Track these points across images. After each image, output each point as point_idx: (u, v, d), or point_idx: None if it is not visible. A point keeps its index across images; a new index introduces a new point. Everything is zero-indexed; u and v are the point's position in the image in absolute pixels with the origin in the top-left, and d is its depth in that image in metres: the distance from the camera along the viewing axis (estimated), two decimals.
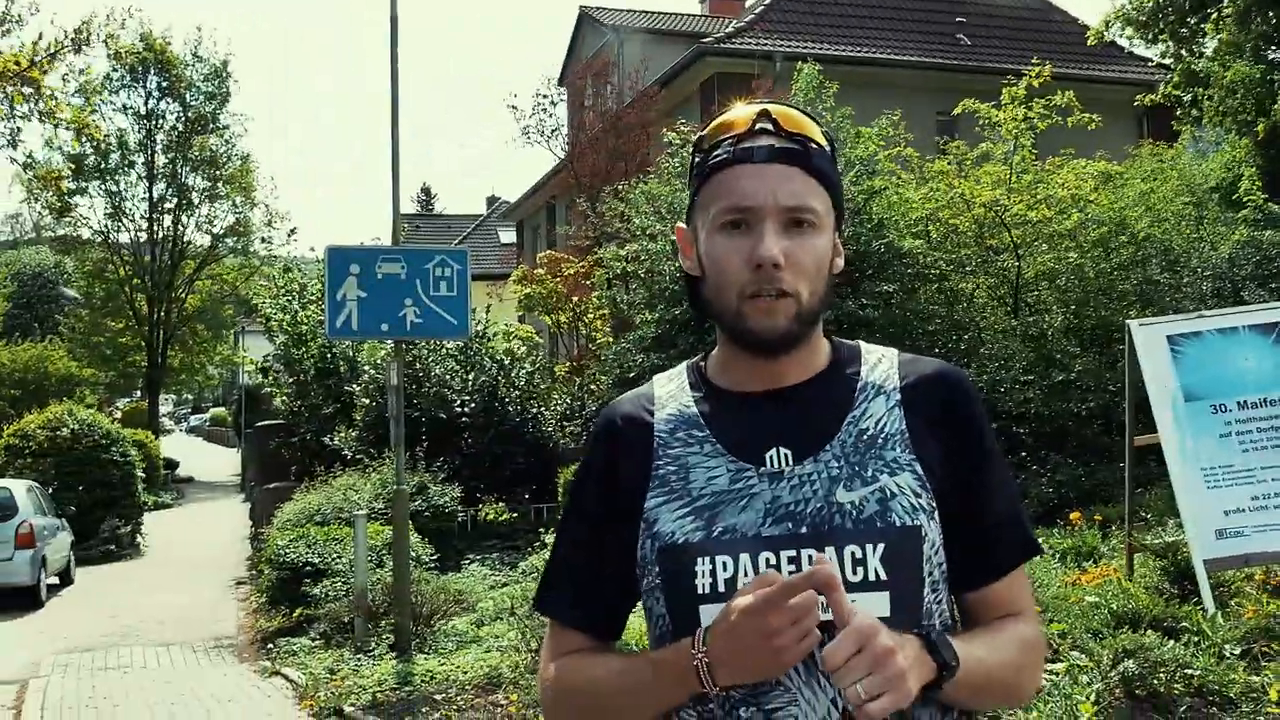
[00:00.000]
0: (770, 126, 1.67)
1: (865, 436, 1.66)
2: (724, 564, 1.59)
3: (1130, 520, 8.27)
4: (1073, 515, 10.45)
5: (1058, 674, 6.10)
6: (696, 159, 1.73)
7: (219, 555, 20.09)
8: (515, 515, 14.69)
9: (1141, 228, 14.15)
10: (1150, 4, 18.51)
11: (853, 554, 1.58)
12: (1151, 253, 14.21)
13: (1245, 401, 7.16)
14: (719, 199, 1.66)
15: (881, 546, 1.58)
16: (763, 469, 1.64)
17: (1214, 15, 18.40)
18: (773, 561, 1.58)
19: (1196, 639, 6.33)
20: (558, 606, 1.80)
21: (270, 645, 11.11)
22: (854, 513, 1.60)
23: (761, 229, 1.62)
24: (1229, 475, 7.05)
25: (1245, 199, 14.52)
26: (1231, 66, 16.91)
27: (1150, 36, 19.26)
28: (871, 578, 1.57)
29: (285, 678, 9.68)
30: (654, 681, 1.60)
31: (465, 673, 8.37)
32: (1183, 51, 19.11)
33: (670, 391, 1.79)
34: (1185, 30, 18.94)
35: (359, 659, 9.35)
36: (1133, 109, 21.63)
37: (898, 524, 1.60)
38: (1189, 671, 5.84)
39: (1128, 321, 7.75)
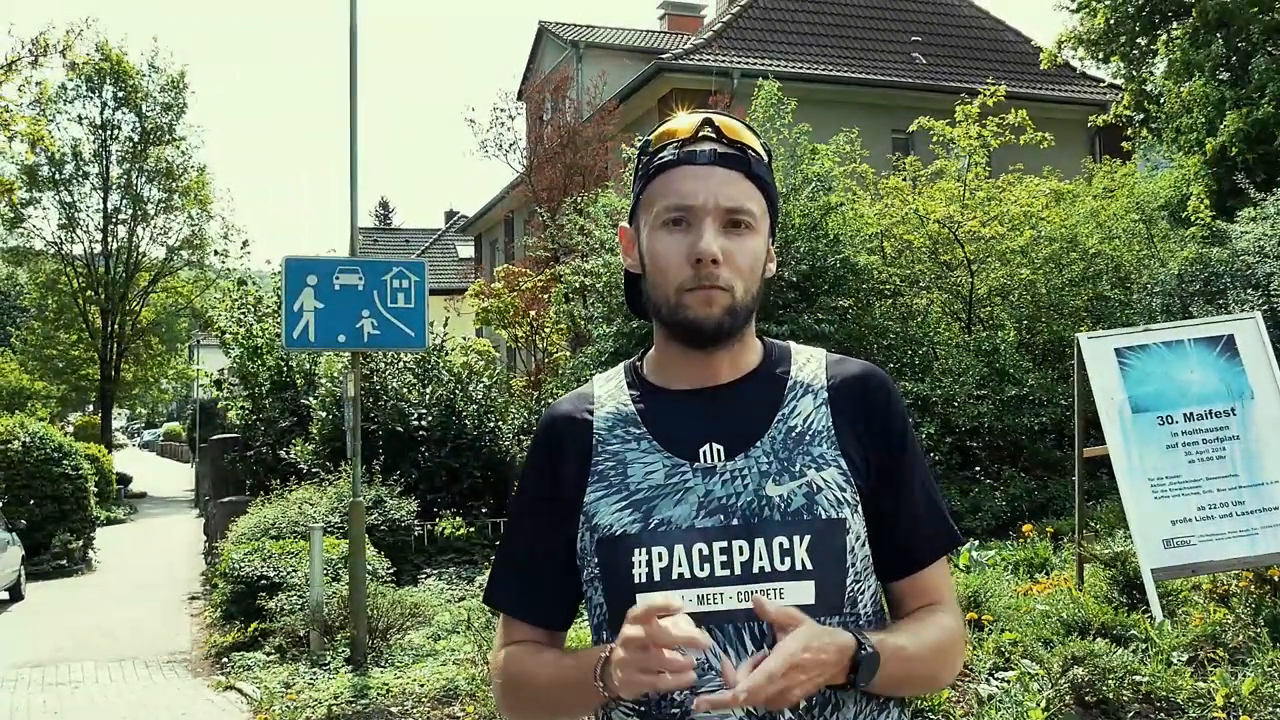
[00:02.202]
0: (713, 134, 1.77)
1: (794, 433, 1.75)
2: (659, 554, 1.68)
3: (1081, 531, 8.39)
4: (1025, 527, 10.57)
5: (1009, 681, 6.19)
6: (642, 161, 1.82)
7: (172, 570, 19.91)
8: (472, 529, 14.64)
9: (1092, 244, 14.35)
10: (1102, 25, 18.80)
11: (780, 544, 1.67)
12: (1102, 269, 14.42)
13: (1191, 413, 7.29)
14: (662, 198, 1.76)
15: (808, 538, 1.67)
16: (697, 464, 1.73)
17: (1164, 36, 18.72)
18: (705, 552, 1.67)
19: (1145, 646, 6.44)
20: (505, 599, 1.88)
21: (224, 660, 11.03)
22: (782, 505, 1.69)
23: (701, 227, 1.72)
24: (1176, 485, 7.17)
25: (1194, 217, 14.75)
26: (1185, 85, 17.20)
27: (1102, 56, 19.56)
28: (798, 567, 1.66)
29: (240, 692, 9.61)
30: (577, 685, 1.69)
31: (421, 685, 8.35)
32: (1134, 72, 19.42)
33: (609, 391, 1.87)
34: (1136, 51, 19.25)
35: (314, 673, 9.30)
36: (1084, 127, 21.96)
37: (823, 516, 1.69)
38: (1137, 678, 5.94)
39: (1077, 335, 7.88)
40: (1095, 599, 7.45)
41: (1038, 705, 5.73)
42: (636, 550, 1.69)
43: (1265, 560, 7.15)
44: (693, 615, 1.61)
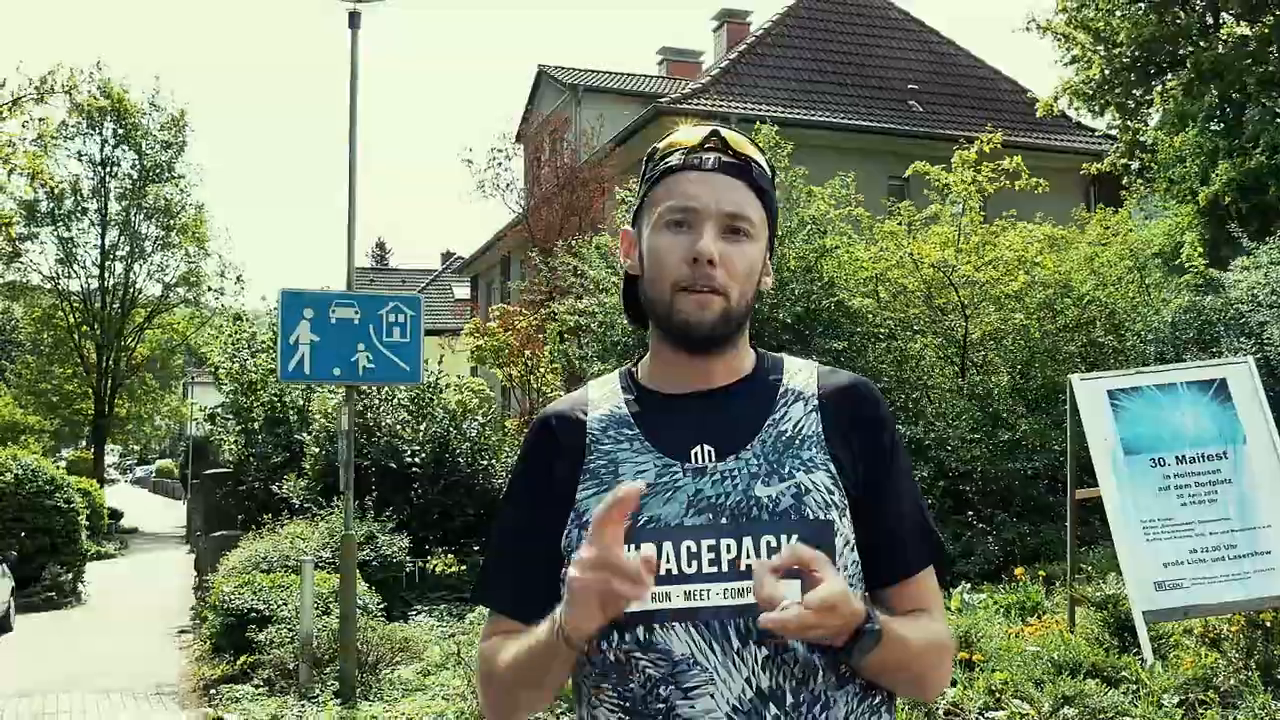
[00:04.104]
0: (719, 144, 1.83)
1: (784, 437, 1.79)
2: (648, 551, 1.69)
3: (1072, 573, 8.38)
4: (1017, 571, 10.55)
5: None
6: (648, 167, 1.88)
7: (162, 604, 19.80)
8: (464, 567, 14.59)
9: (1086, 291, 14.40)
10: (1098, 76, 18.95)
11: (768, 543, 1.69)
12: (1096, 315, 14.46)
13: (1183, 456, 7.31)
14: (666, 199, 1.81)
15: (795, 538, 1.69)
16: (688, 465, 1.76)
17: (1158, 88, 18.89)
18: (694, 549, 1.70)
19: (1136, 688, 6.42)
20: (493, 597, 1.90)
21: (213, 692, 10.97)
22: (770, 505, 1.72)
23: (702, 229, 1.77)
24: (1168, 528, 7.17)
25: (1187, 265, 14.82)
26: (1179, 135, 17.34)
27: (1097, 108, 19.71)
28: None
29: None
30: (542, 651, 1.69)
31: (410, 719, 8.31)
32: (1128, 122, 19.57)
33: (604, 394, 1.90)
34: (1131, 102, 19.41)
35: (303, 705, 9.26)
36: (1077, 175, 22.10)
37: (811, 517, 1.72)
38: (1128, 719, 5.93)
39: (1070, 376, 7.90)
40: (1087, 641, 7.44)
41: None
42: (626, 547, 1.68)
43: (1257, 604, 7.14)
44: (679, 611, 1.63)
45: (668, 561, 1.69)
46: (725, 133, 1.85)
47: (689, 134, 1.86)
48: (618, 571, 1.51)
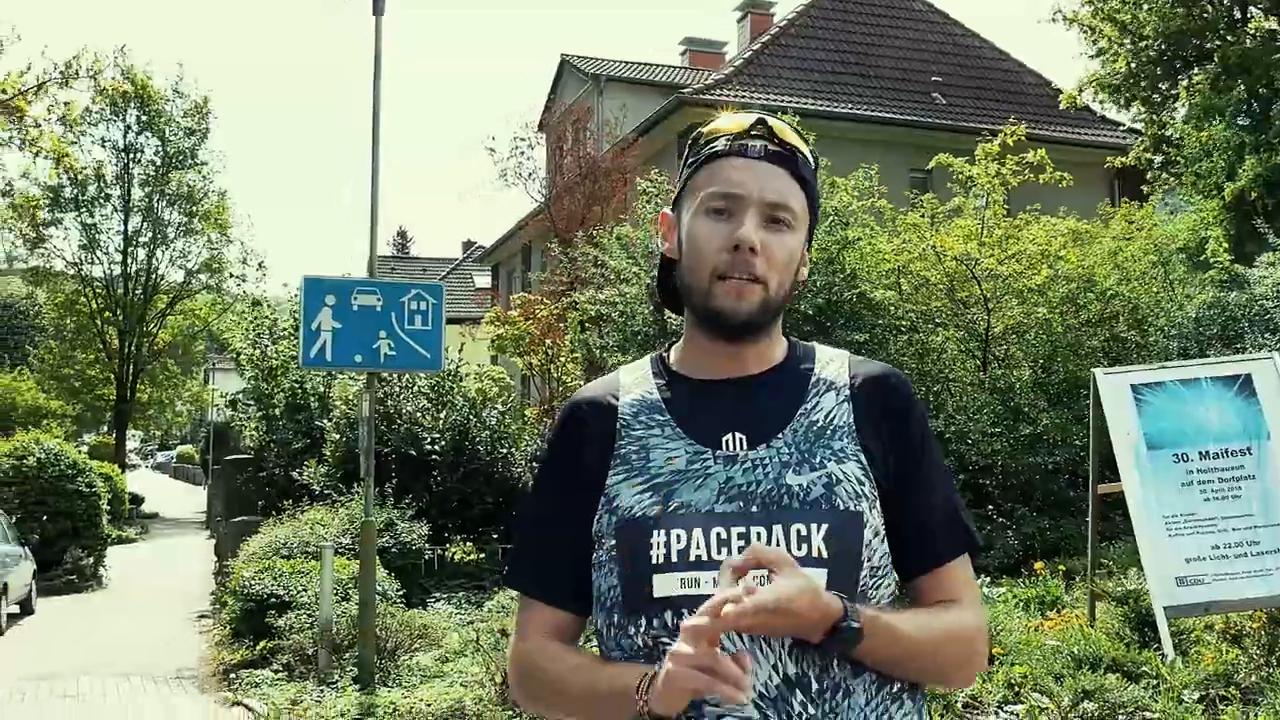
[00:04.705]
0: (764, 132, 1.82)
1: (815, 427, 1.78)
2: (678, 536, 1.70)
3: (1093, 568, 8.36)
4: (1036, 565, 10.52)
5: (1018, 715, 6.16)
6: (692, 150, 1.87)
7: (182, 589, 19.90)
8: (482, 555, 14.63)
9: (1109, 285, 14.34)
10: (1124, 70, 18.86)
11: (798, 531, 1.69)
12: (1119, 310, 14.40)
13: (1206, 451, 7.28)
14: (708, 185, 1.80)
15: (825, 527, 1.69)
16: (719, 452, 1.76)
17: (1185, 82, 18.78)
18: (724, 536, 1.69)
19: (1156, 683, 6.40)
20: (526, 581, 1.89)
21: (233, 677, 11.02)
22: (801, 494, 1.71)
23: (744, 216, 1.76)
24: (1190, 524, 7.15)
25: (1212, 260, 14.74)
26: (1205, 129, 17.24)
27: (1122, 101, 19.63)
28: (814, 555, 1.68)
29: (247, 708, 9.61)
30: (607, 696, 1.69)
31: (428, 705, 8.33)
32: (1154, 116, 19.47)
33: (635, 379, 1.90)
34: (1157, 96, 19.33)
35: (322, 691, 9.30)
36: (1101, 169, 21.98)
37: (841, 508, 1.71)
38: (1147, 714, 5.91)
39: (1093, 370, 7.87)
40: (1107, 636, 7.42)
41: None
42: (655, 532, 1.71)
43: (1279, 601, 7.11)
44: (708, 597, 1.62)
45: (698, 548, 1.69)
46: (771, 121, 1.84)
47: (734, 120, 1.85)
48: (722, 677, 1.48)
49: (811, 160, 1.86)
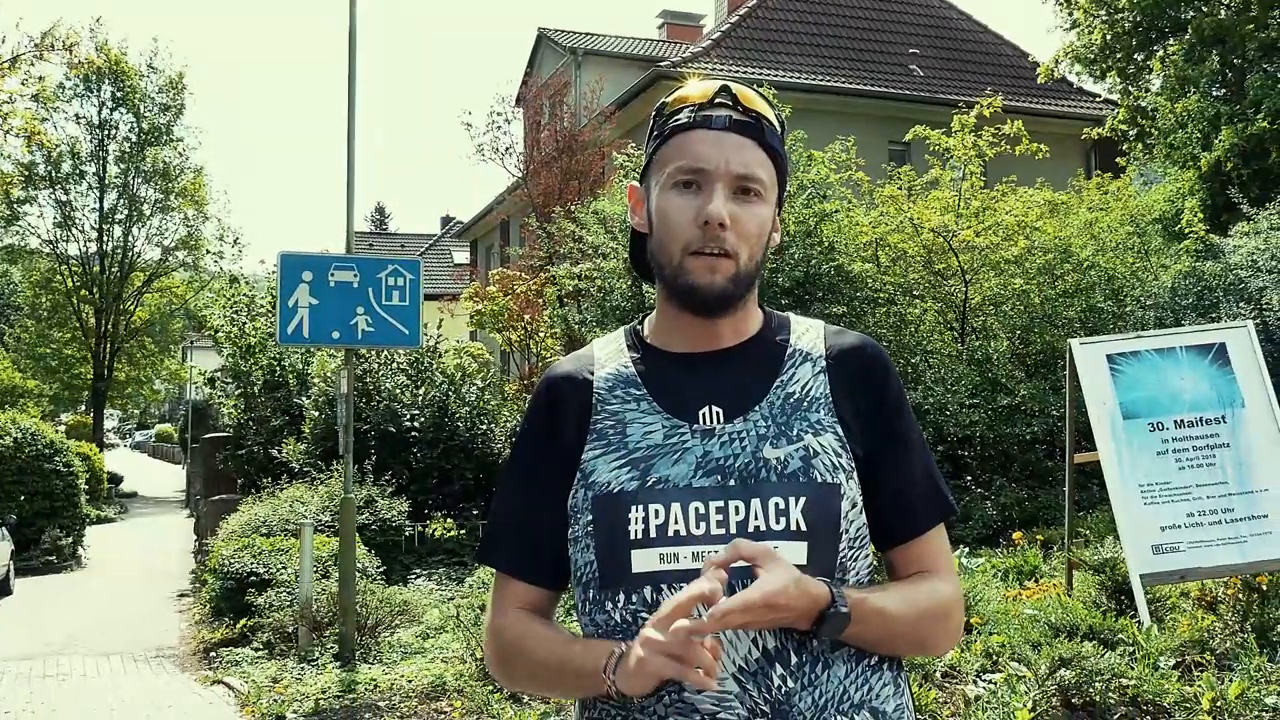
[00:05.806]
0: (729, 100, 1.79)
1: (792, 399, 1.77)
2: (656, 511, 1.69)
3: (1070, 537, 8.40)
4: (1015, 535, 10.58)
5: (996, 683, 6.20)
6: (657, 122, 1.85)
7: (162, 568, 19.87)
8: (463, 532, 14.63)
9: (1086, 256, 14.38)
10: (1099, 41, 18.87)
11: (776, 505, 1.68)
12: (1095, 281, 14.44)
13: (1181, 420, 7.31)
14: (675, 159, 1.78)
15: (803, 500, 1.69)
16: (696, 426, 1.75)
17: (1160, 53, 18.80)
18: (702, 511, 1.68)
19: (1132, 651, 6.44)
20: (500, 557, 1.88)
21: (213, 655, 11.03)
22: (779, 468, 1.71)
23: (712, 191, 1.73)
24: (1165, 492, 7.18)
25: (1187, 230, 14.80)
26: (1180, 100, 17.28)
27: (1098, 72, 19.63)
28: (793, 528, 1.68)
29: (227, 686, 9.61)
30: (576, 674, 1.70)
31: (409, 681, 8.35)
32: (1129, 87, 19.49)
33: (609, 353, 1.89)
34: (1132, 67, 19.33)
35: (302, 668, 9.31)
36: (1078, 141, 22.03)
37: (819, 480, 1.71)
38: (1124, 681, 5.94)
39: (1069, 340, 7.89)
40: (1084, 604, 7.46)
41: (1025, 706, 5.74)
42: (633, 507, 1.70)
43: (1254, 568, 7.16)
44: (687, 572, 1.62)
45: (676, 523, 1.68)
46: (735, 88, 1.81)
47: (698, 89, 1.82)
48: (693, 662, 1.49)
49: (778, 126, 1.83)
